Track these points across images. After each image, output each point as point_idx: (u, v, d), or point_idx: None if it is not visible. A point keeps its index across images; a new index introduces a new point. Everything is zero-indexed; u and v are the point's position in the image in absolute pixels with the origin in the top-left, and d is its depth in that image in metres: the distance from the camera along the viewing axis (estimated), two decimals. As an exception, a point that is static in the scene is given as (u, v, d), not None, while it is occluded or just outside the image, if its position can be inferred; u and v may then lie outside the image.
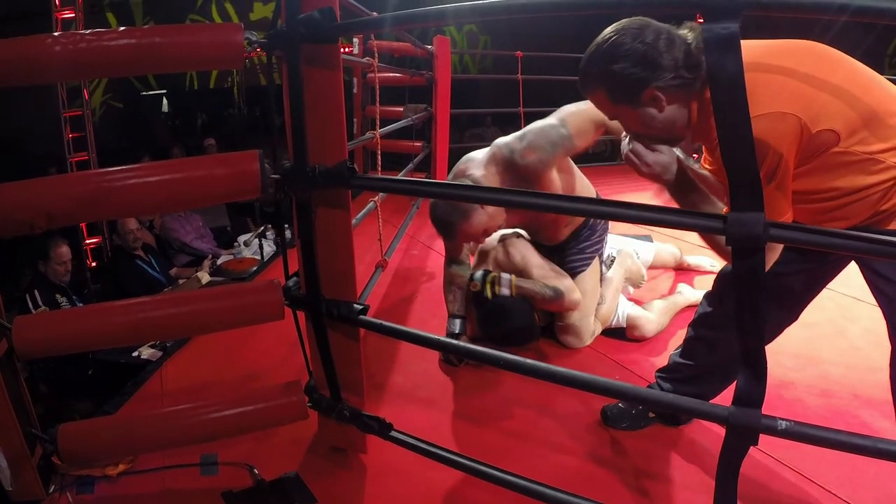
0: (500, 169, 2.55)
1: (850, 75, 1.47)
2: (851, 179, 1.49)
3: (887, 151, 1.45)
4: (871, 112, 1.43)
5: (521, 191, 1.59)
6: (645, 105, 1.51)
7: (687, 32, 1.48)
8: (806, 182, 1.49)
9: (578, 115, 2.50)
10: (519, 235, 2.89)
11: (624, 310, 2.95)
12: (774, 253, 1.49)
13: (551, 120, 2.53)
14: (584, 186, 2.84)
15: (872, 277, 1.60)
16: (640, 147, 1.60)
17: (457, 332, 2.80)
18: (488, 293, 2.64)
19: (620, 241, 3.27)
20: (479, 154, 2.66)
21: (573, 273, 2.82)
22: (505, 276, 2.67)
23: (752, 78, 1.38)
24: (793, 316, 1.92)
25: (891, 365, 1.64)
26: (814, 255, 1.70)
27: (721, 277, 1.99)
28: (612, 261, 3.06)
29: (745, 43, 1.48)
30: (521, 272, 2.75)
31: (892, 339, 1.59)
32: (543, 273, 2.74)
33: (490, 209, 2.49)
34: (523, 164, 2.48)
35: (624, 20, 1.49)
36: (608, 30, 1.50)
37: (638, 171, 1.64)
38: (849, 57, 1.51)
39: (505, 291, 2.65)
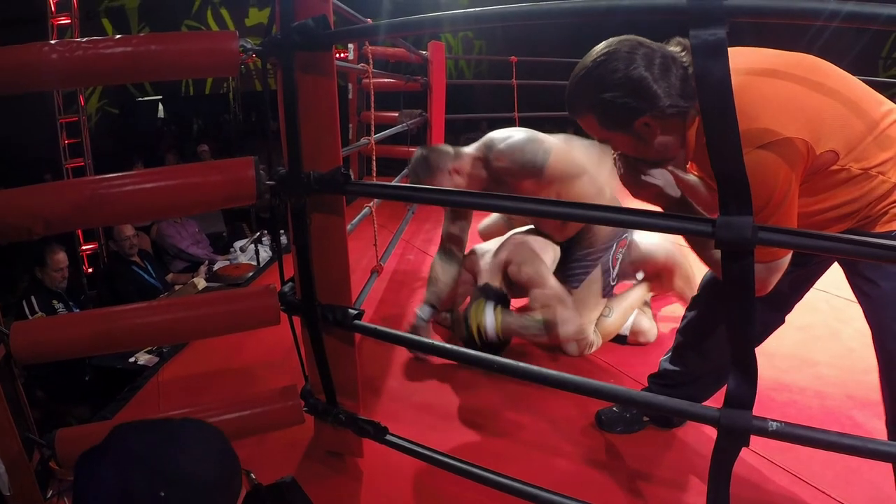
0: (481, 157, 2.70)
1: (843, 89, 1.45)
2: (844, 194, 1.50)
3: (881, 165, 1.45)
4: (865, 126, 1.43)
5: (505, 195, 1.60)
6: (637, 132, 1.49)
7: (681, 52, 1.44)
8: (800, 200, 1.46)
9: (562, 159, 2.59)
10: (530, 233, 2.89)
11: (632, 318, 2.94)
12: (777, 275, 1.47)
13: (542, 141, 2.59)
14: (591, 194, 2.70)
15: (855, 279, 1.60)
16: (632, 175, 1.60)
17: (424, 318, 2.89)
18: (476, 338, 2.67)
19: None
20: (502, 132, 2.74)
21: (570, 281, 2.78)
22: (489, 318, 2.67)
23: (758, 87, 1.38)
24: (780, 317, 1.92)
25: (879, 367, 1.64)
26: (798, 256, 1.69)
27: (707, 282, 2.00)
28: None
29: (742, 50, 1.49)
30: (524, 288, 2.79)
31: (875, 340, 1.59)
32: (544, 297, 2.73)
33: (459, 180, 2.66)
34: (494, 165, 2.63)
35: (614, 40, 1.45)
36: (597, 50, 1.46)
37: (633, 195, 1.65)
38: (837, 68, 1.51)
39: (491, 334, 2.69)
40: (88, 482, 0.96)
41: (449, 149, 2.75)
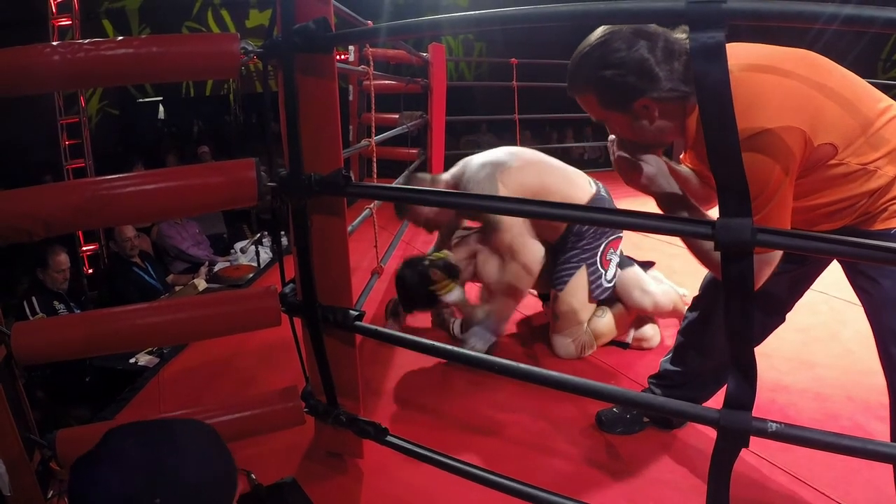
0: (452, 185, 2.83)
1: (843, 84, 1.46)
2: (843, 190, 1.50)
3: (879, 160, 1.45)
4: (863, 121, 1.43)
5: (503, 197, 1.61)
6: (636, 114, 1.49)
7: (685, 39, 1.42)
8: (798, 196, 1.47)
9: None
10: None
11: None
12: (769, 268, 1.46)
13: (495, 181, 2.69)
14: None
15: (856, 277, 1.60)
16: (627, 159, 1.59)
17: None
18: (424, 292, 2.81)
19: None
20: (471, 161, 2.85)
21: (557, 285, 2.81)
22: (455, 295, 2.83)
23: (755, 80, 1.38)
24: (779, 318, 1.93)
25: (883, 367, 1.64)
26: (796, 256, 1.69)
27: (707, 283, 2.00)
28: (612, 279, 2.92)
29: (743, 46, 1.49)
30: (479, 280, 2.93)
31: (877, 338, 1.59)
32: (490, 301, 2.88)
33: (436, 207, 2.83)
34: None
35: None
36: (601, 30, 1.47)
37: (626, 181, 1.65)
38: (837, 64, 1.51)
39: (447, 302, 2.87)
40: (84, 490, 0.95)
41: (426, 177, 2.98)
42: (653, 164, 1.58)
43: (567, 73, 1.54)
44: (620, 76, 1.44)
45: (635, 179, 1.60)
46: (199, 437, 1.07)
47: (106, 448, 0.99)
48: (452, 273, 2.82)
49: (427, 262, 2.80)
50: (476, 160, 2.80)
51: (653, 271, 3.10)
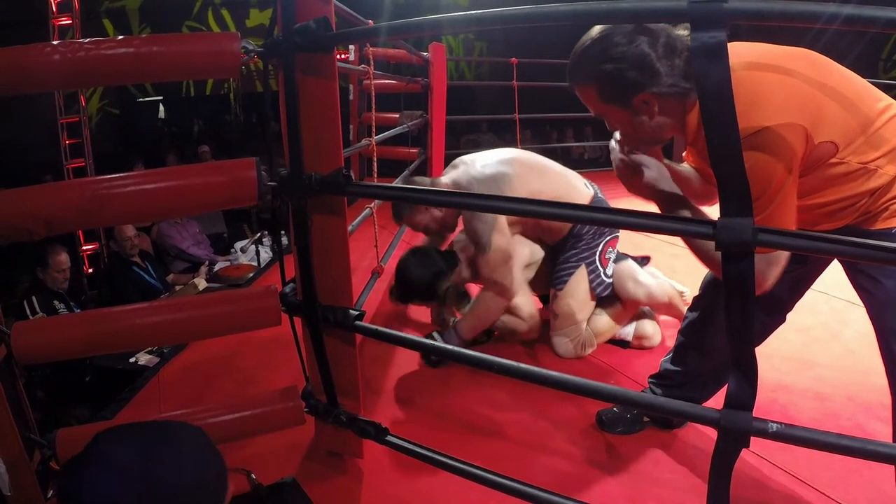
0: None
1: (844, 83, 1.46)
2: (843, 189, 1.49)
3: (879, 159, 1.45)
4: (864, 120, 1.43)
5: (503, 197, 1.61)
6: (636, 109, 1.49)
7: (687, 36, 1.40)
8: (798, 195, 1.45)
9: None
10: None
11: (634, 323, 2.94)
12: (777, 269, 1.45)
13: (501, 185, 2.68)
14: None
15: (857, 277, 1.60)
16: (629, 164, 1.59)
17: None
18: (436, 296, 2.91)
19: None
20: (472, 167, 2.82)
21: (556, 285, 2.82)
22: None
23: (756, 78, 1.38)
24: (779, 318, 1.92)
25: (885, 367, 1.63)
26: (797, 256, 1.68)
27: (708, 283, 1.99)
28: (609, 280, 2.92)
29: (744, 45, 1.49)
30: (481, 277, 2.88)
31: (878, 338, 1.58)
32: (488, 297, 2.86)
33: (437, 214, 2.85)
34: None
35: None
36: (601, 25, 1.47)
37: (627, 186, 1.64)
38: (837, 64, 1.51)
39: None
40: (77, 489, 0.95)
41: (425, 180, 2.95)
42: (654, 169, 1.58)
43: (568, 66, 1.54)
44: (621, 70, 1.44)
45: (636, 184, 1.60)
46: (190, 439, 1.06)
47: (96, 449, 0.99)
48: (464, 298, 2.88)
49: (442, 284, 2.83)
50: (476, 167, 2.77)
51: (649, 267, 3.10)
